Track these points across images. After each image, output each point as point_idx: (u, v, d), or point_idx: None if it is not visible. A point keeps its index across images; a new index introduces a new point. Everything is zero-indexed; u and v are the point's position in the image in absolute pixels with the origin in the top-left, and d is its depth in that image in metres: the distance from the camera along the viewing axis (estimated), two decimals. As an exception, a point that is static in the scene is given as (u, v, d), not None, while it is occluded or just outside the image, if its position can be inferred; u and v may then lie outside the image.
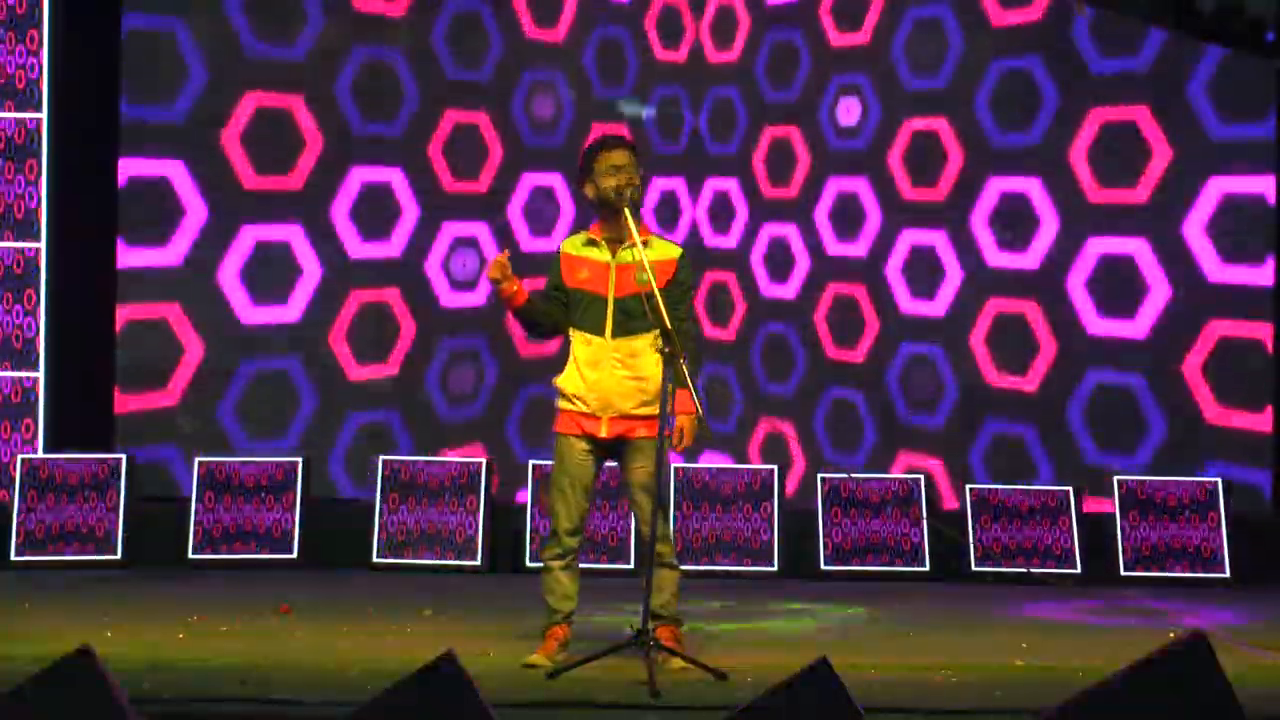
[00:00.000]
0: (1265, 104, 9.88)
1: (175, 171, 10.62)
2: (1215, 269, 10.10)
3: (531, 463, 9.92)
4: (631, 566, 9.47)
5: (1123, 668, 4.12)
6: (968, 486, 9.86)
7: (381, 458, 10.01)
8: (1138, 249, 10.25)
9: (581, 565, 6.65)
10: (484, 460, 9.95)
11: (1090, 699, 4.11)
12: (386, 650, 6.85)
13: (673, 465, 9.70)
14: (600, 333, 6.45)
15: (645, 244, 6.41)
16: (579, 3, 11.18)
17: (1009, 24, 10.66)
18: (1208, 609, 8.49)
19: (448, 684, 4.17)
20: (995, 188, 10.67)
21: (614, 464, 6.68)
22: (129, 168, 10.57)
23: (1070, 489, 9.73)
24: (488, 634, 7.30)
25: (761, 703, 4.18)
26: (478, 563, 9.76)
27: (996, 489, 9.81)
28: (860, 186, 11.03)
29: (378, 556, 9.82)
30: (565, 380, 6.50)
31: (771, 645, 7.24)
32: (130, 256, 10.52)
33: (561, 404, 6.53)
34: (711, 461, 10.33)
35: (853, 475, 9.92)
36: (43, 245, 10.14)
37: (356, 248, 10.86)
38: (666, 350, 6.12)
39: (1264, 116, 9.94)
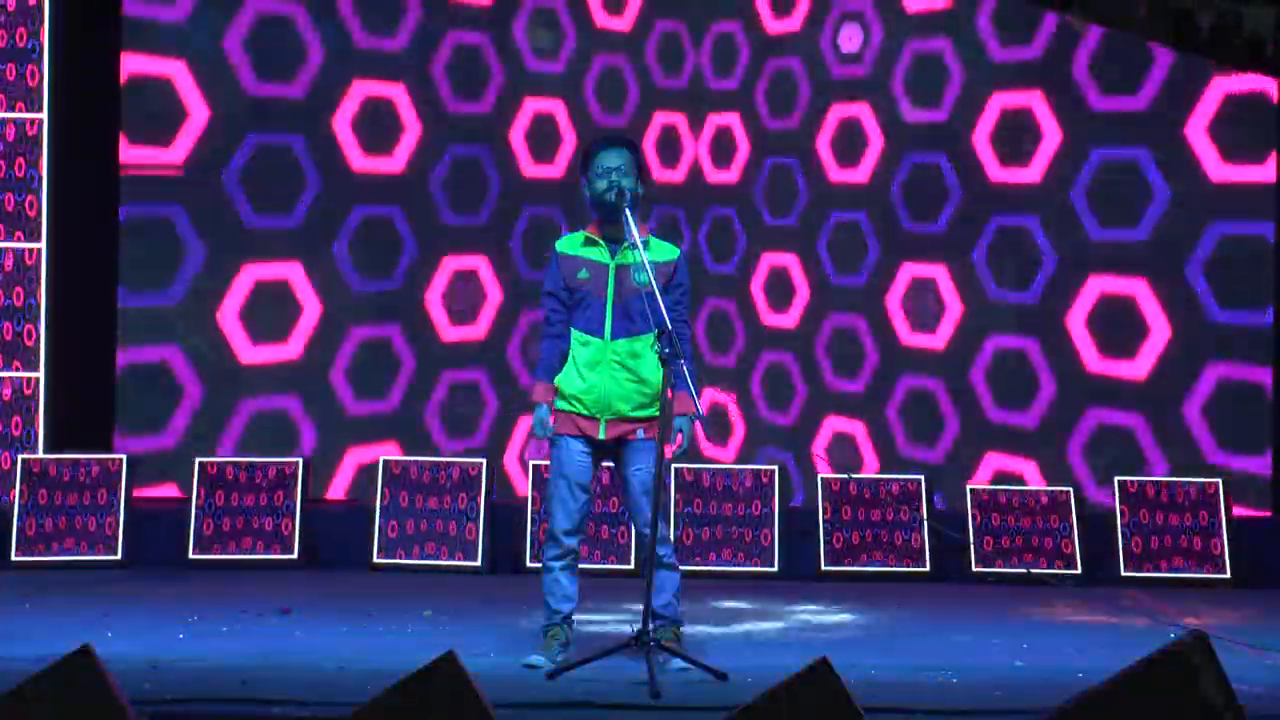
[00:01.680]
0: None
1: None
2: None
3: (532, 463, 9.91)
4: (632, 567, 9.47)
5: (1123, 668, 4.13)
6: (968, 487, 9.85)
7: (382, 458, 10.01)
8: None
9: (582, 566, 6.66)
10: (484, 460, 9.95)
11: (1090, 699, 4.11)
12: (386, 650, 6.85)
13: (674, 466, 9.70)
14: (599, 334, 6.44)
15: (645, 244, 6.41)
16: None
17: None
18: (1208, 609, 8.49)
19: (448, 684, 4.17)
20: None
21: (610, 464, 6.67)
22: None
23: (1070, 489, 9.73)
24: (488, 634, 7.30)
25: (761, 703, 4.18)
26: (478, 563, 9.76)
27: (997, 489, 9.80)
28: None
29: (378, 556, 9.82)
30: (564, 380, 6.49)
31: (771, 645, 7.24)
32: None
33: (559, 404, 6.52)
34: (712, 462, 10.32)
35: (853, 475, 9.92)
36: (43, 245, 10.14)
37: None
38: (666, 352, 6.12)
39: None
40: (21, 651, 6.35)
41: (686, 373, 6.15)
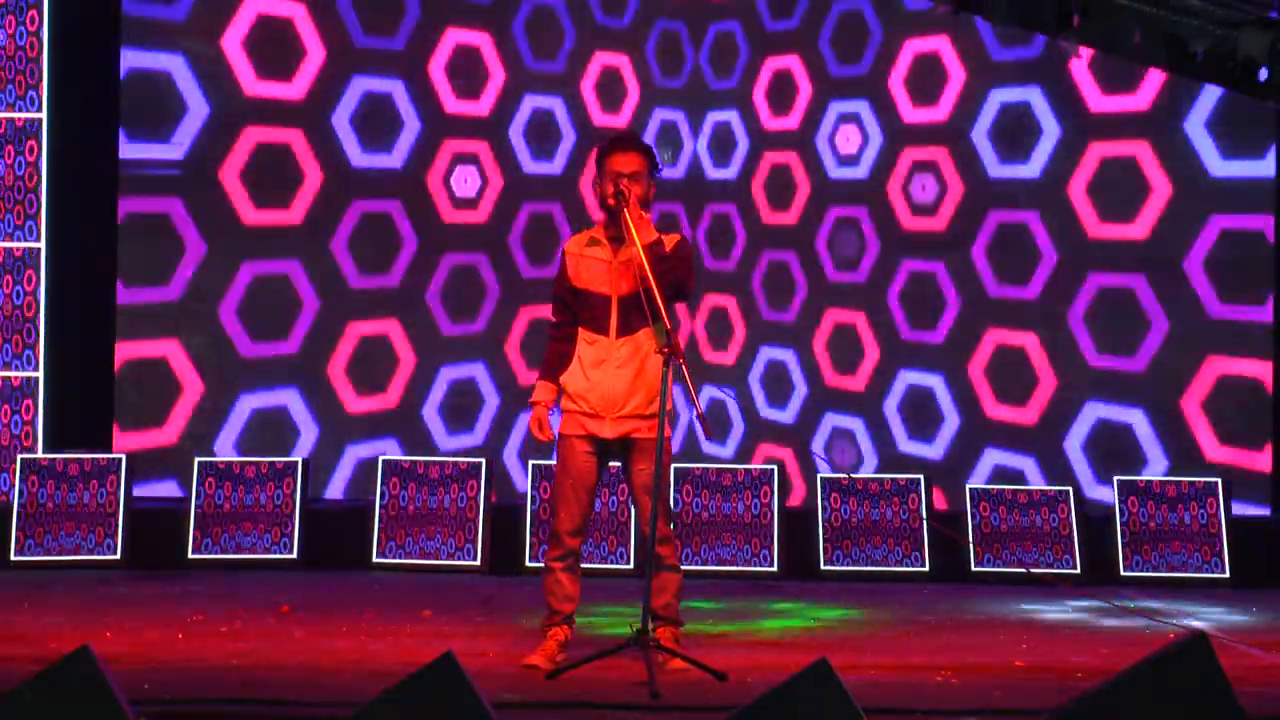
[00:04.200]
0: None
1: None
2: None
3: (531, 463, 9.91)
4: (632, 567, 9.47)
5: (1123, 668, 4.13)
6: (968, 486, 9.86)
7: (381, 458, 10.02)
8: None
9: (582, 566, 6.65)
10: (484, 460, 9.95)
11: (1091, 699, 4.11)
12: (386, 650, 6.85)
13: (673, 466, 9.70)
14: (605, 332, 6.43)
15: (658, 242, 6.38)
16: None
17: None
18: (1208, 609, 8.49)
19: (448, 684, 4.17)
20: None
21: (618, 464, 6.66)
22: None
23: (1070, 489, 9.73)
24: (488, 634, 7.30)
25: (761, 703, 4.18)
26: (478, 563, 9.76)
27: (997, 489, 9.80)
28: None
29: (377, 556, 9.83)
30: (569, 379, 6.49)
31: (771, 645, 7.24)
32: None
33: (565, 404, 6.52)
34: (712, 462, 10.32)
35: (852, 475, 9.92)
36: (42, 245, 10.14)
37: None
38: (666, 350, 6.13)
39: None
40: (21, 651, 6.35)
41: (686, 373, 6.15)
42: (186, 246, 10.61)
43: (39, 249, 10.15)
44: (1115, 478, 9.76)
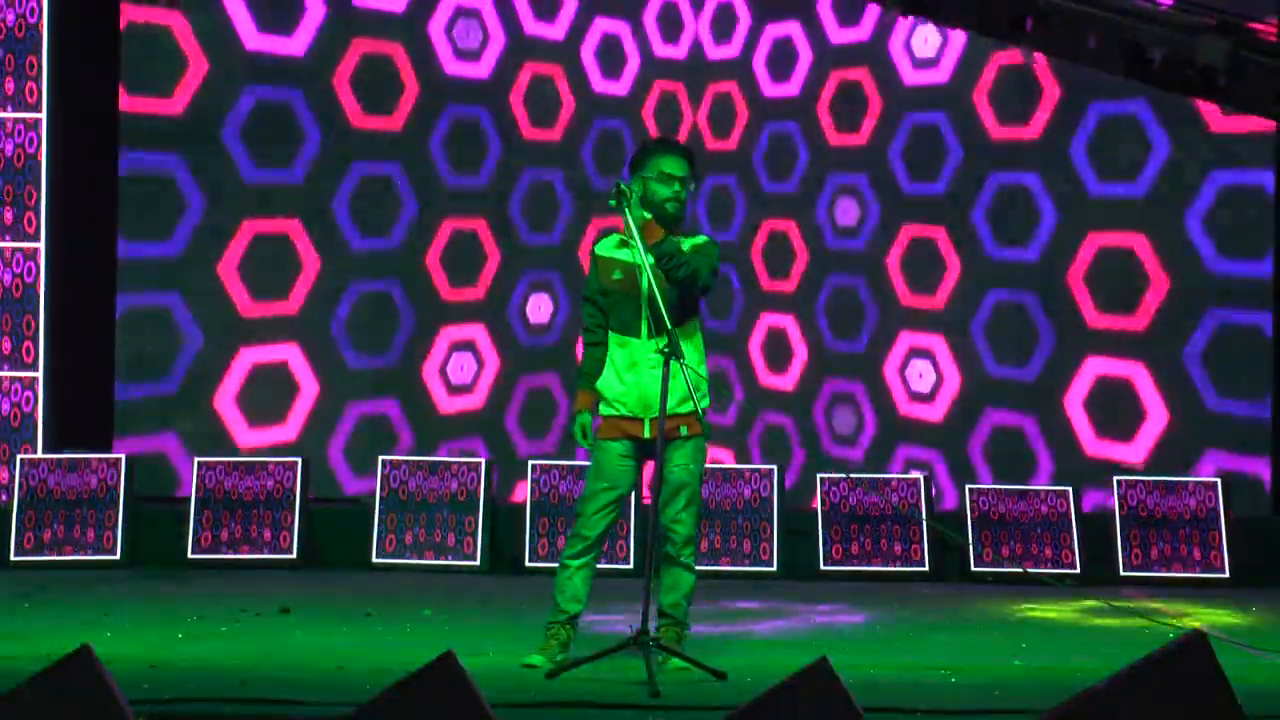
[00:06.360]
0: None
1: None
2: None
3: (531, 462, 9.91)
4: (631, 567, 9.47)
5: (1122, 668, 4.13)
6: (967, 486, 9.85)
7: (381, 457, 10.01)
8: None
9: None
10: (484, 460, 9.95)
11: (1090, 699, 4.11)
12: (386, 650, 6.85)
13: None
14: (635, 333, 6.39)
15: (666, 240, 6.36)
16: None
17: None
18: (1208, 609, 8.49)
19: (448, 684, 4.17)
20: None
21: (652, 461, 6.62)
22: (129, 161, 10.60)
23: (1070, 489, 9.72)
24: (488, 634, 7.30)
25: (761, 703, 4.18)
26: (477, 563, 9.76)
27: (996, 489, 9.80)
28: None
29: (377, 556, 9.82)
30: (604, 385, 6.44)
31: (771, 645, 7.24)
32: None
33: (603, 410, 6.46)
34: (712, 461, 10.32)
35: (852, 475, 9.92)
36: (42, 245, 10.14)
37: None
38: (666, 350, 6.11)
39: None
40: (21, 651, 6.35)
41: (684, 371, 6.13)
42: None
43: (39, 248, 10.15)
44: (1115, 477, 9.75)
